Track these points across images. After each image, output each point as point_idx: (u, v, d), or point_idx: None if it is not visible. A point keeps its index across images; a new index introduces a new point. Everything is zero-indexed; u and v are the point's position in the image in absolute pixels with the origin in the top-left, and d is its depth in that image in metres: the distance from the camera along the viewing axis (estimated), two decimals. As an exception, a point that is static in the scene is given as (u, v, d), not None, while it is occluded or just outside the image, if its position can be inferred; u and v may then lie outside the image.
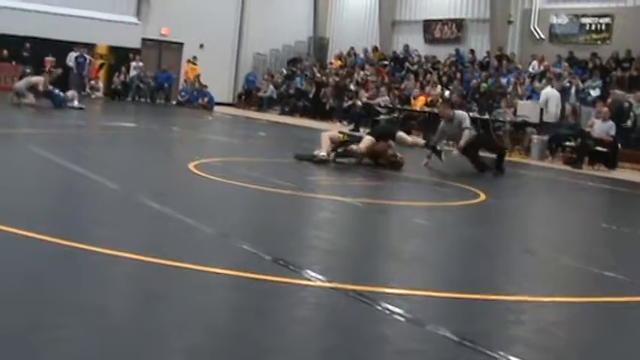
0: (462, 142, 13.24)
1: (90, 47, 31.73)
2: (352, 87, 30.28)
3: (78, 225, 6.32)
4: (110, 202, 7.66)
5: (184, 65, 33.98)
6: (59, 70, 27.20)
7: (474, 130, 13.41)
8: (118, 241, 5.70)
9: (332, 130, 14.56)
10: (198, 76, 33.12)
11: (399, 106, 25.56)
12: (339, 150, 12.72)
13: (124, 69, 32.42)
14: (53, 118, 18.86)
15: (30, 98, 20.74)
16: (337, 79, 31.23)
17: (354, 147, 12.75)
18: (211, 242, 6.20)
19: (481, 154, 13.83)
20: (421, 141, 12.99)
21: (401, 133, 13.17)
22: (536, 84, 24.12)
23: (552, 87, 22.58)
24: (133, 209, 7.35)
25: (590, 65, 24.75)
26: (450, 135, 13.94)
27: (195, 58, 33.50)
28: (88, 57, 30.75)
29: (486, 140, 14.94)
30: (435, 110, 23.43)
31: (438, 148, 12.62)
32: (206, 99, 32.08)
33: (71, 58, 30.74)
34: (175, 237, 6.19)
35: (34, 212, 6.69)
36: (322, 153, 12.89)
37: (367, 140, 12.96)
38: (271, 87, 34.35)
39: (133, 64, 32.53)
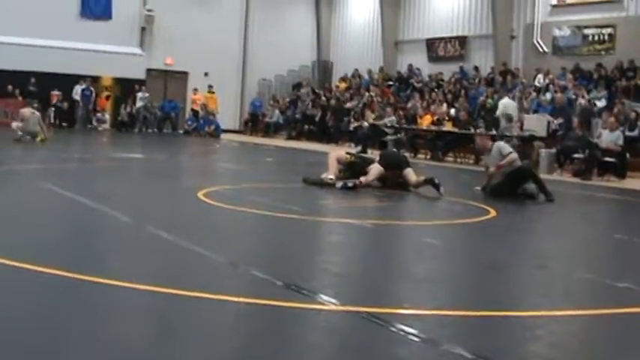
0: (503, 162, 12.76)
1: (95, 80, 31.96)
2: (352, 107, 30.45)
3: (90, 258, 6.35)
4: (121, 234, 7.68)
5: (191, 94, 34.11)
6: (65, 104, 27.40)
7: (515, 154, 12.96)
8: (130, 273, 5.72)
9: (338, 151, 14.51)
10: (204, 104, 33.20)
11: (405, 125, 25.57)
12: (349, 184, 12.49)
13: (130, 100, 32.60)
14: (59, 152, 18.94)
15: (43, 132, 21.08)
16: (335, 101, 31.48)
17: (362, 179, 12.63)
18: (223, 270, 6.22)
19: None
20: (421, 179, 12.84)
21: (409, 170, 13.02)
22: (543, 97, 24.14)
23: (509, 97, 23.93)
24: (144, 240, 7.37)
25: (595, 76, 24.78)
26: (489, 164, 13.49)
27: (211, 86, 33.56)
28: (92, 89, 30.99)
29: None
30: (443, 128, 23.63)
31: (436, 181, 12.53)
32: (213, 127, 32.17)
33: (77, 92, 30.97)
34: (187, 266, 6.20)
35: (45, 247, 6.71)
36: (330, 176, 12.88)
37: (376, 170, 12.87)
38: (277, 112, 34.46)
39: (139, 94, 32.72)
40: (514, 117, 22.22)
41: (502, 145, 13.07)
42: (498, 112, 23.22)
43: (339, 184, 12.47)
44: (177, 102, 33.75)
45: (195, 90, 33.81)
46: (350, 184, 12.43)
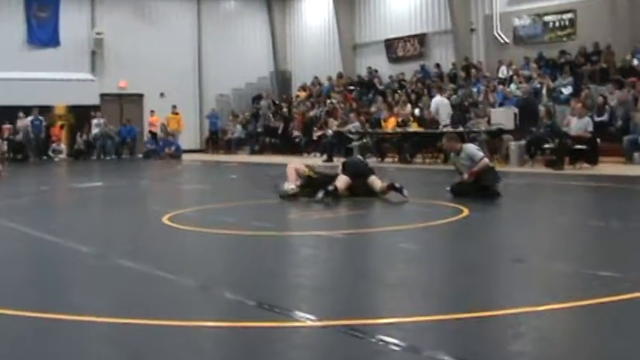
0: (476, 168, 12.75)
1: (48, 109, 31.72)
2: (317, 115, 30.53)
3: (51, 295, 6.23)
4: (83, 267, 7.57)
5: (148, 116, 33.98)
6: (18, 137, 27.18)
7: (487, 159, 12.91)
8: (93, 306, 5.63)
9: (296, 162, 14.30)
10: (164, 125, 33.07)
11: (370, 130, 25.62)
12: (330, 188, 12.37)
13: (85, 127, 32.39)
14: (14, 186, 18.75)
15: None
16: (300, 112, 31.55)
17: (338, 185, 12.54)
18: (192, 295, 6.14)
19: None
20: (384, 184, 12.73)
21: (373, 178, 12.89)
22: (508, 89, 24.32)
23: (441, 96, 24.97)
24: (107, 271, 7.27)
25: (562, 61, 24.95)
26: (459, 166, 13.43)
27: (174, 107, 33.39)
28: (42, 119, 30.75)
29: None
30: (408, 129, 23.71)
31: (397, 185, 12.47)
32: (173, 148, 32.05)
33: (27, 123, 30.70)
34: (155, 294, 6.12)
35: (1, 287, 6.59)
36: (291, 186, 12.79)
37: (343, 180, 12.72)
38: (239, 127, 34.40)
39: (94, 121, 32.56)
40: (447, 117, 22.92)
41: (472, 151, 12.70)
42: (433, 112, 23.86)
43: (320, 194, 12.30)
44: (134, 126, 33.56)
45: (152, 112, 33.68)
46: (331, 188, 12.31)
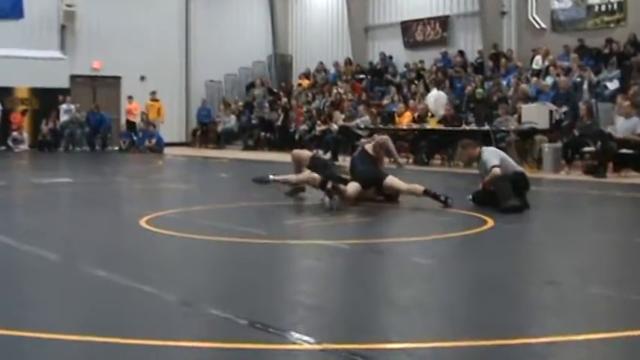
0: (486, 179, 12.83)
1: (8, 92, 31.63)
2: (321, 106, 30.59)
3: (9, 309, 6.24)
4: (49, 277, 7.59)
5: (125, 103, 33.94)
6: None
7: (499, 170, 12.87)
8: (61, 323, 5.66)
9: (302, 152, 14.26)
10: (144, 114, 33.05)
11: (381, 126, 25.59)
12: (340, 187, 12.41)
13: (52, 114, 32.30)
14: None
15: None
16: (301, 103, 31.68)
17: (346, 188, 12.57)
18: (174, 311, 6.17)
19: None
20: (420, 188, 12.60)
21: (390, 178, 12.83)
22: (543, 82, 24.27)
23: (438, 89, 25.93)
24: (77, 281, 7.30)
25: (607, 51, 24.82)
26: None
27: (154, 93, 33.38)
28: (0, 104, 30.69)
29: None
30: (426, 126, 23.72)
31: (437, 193, 12.46)
32: (154, 140, 32.05)
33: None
34: (130, 309, 6.15)
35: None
36: (272, 176, 12.87)
37: (354, 188, 12.69)
38: (233, 117, 34.38)
39: (63, 106, 32.50)
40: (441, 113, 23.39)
41: (486, 157, 12.72)
42: (431, 107, 24.35)
43: (325, 198, 12.31)
44: (105, 114, 33.29)
45: (131, 98, 33.61)
46: (329, 186, 12.32)
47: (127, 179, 20.62)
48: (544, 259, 8.80)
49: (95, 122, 32.98)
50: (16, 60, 31.37)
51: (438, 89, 26.35)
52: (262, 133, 32.70)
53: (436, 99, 24.83)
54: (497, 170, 12.28)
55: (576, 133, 20.06)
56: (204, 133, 35.15)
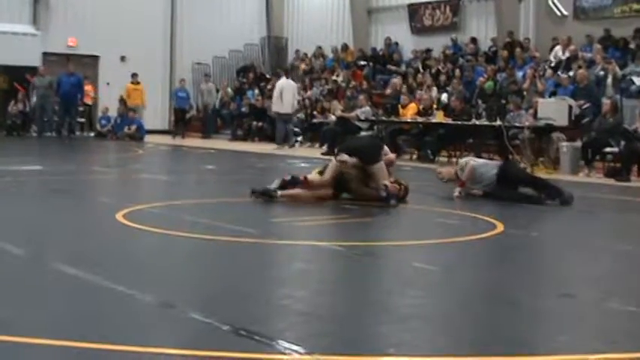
0: (464, 177, 13.23)
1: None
2: (317, 95, 30.63)
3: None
4: (13, 273, 7.58)
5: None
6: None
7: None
8: (27, 325, 5.64)
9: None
10: (123, 98, 33.00)
11: (383, 118, 25.56)
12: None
13: (21, 94, 32.21)
14: None
15: None
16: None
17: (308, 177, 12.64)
18: (152, 314, 6.17)
19: None
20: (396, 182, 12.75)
21: (382, 165, 12.77)
22: (563, 75, 24.22)
23: (287, 77, 28.02)
24: (45, 280, 7.28)
25: (632, 45, 24.81)
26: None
27: (135, 75, 33.20)
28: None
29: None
30: (432, 120, 23.71)
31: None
32: (134, 127, 32.02)
33: None
34: (105, 311, 6.15)
35: None
36: (274, 185, 12.86)
37: (316, 176, 12.80)
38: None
39: (35, 81, 32.26)
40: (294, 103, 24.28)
41: (463, 162, 13.62)
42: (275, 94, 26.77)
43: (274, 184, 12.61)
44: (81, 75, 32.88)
45: (86, 78, 33.11)
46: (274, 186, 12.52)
47: (104, 168, 20.62)
48: (558, 268, 8.82)
49: (69, 85, 31.77)
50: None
51: (286, 77, 27.97)
52: (253, 123, 32.64)
53: (283, 87, 27.25)
54: (472, 163, 13.27)
55: (593, 132, 20.05)
56: (183, 121, 34.53)
